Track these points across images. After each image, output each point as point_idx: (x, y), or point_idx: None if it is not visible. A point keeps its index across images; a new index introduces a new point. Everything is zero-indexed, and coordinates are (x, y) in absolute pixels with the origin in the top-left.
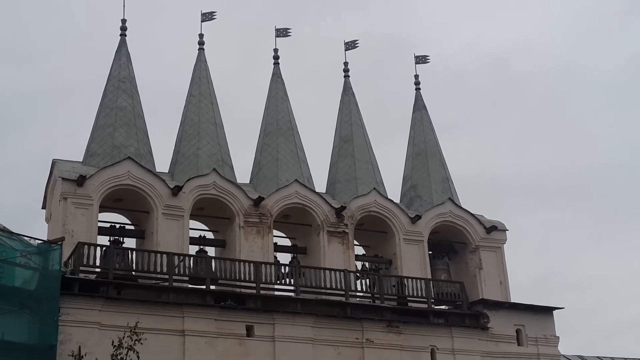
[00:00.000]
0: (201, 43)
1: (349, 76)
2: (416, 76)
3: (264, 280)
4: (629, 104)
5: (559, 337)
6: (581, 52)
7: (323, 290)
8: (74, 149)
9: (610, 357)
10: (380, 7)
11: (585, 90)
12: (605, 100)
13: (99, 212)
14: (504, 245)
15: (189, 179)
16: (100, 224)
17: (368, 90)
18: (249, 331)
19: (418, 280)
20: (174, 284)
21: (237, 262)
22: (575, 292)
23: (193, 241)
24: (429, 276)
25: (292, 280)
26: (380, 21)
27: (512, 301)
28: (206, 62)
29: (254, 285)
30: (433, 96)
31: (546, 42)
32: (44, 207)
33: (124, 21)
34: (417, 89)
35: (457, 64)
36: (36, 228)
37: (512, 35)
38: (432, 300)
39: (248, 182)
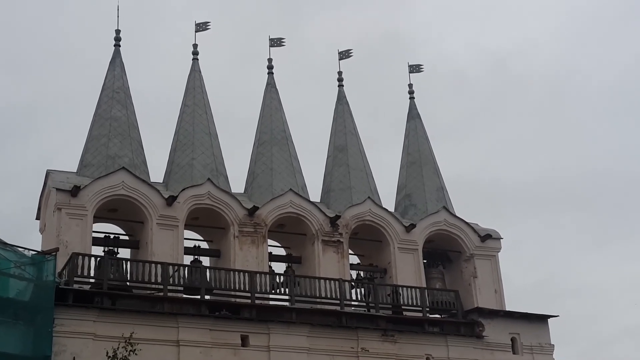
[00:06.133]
0: (195, 53)
1: (343, 85)
2: (410, 85)
3: (258, 290)
4: (629, 108)
5: (554, 345)
6: (581, 56)
7: (318, 300)
8: (70, 160)
9: None
10: (378, 9)
11: (585, 94)
12: (605, 104)
13: (93, 223)
14: (499, 253)
15: (183, 189)
16: (94, 235)
17: (362, 98)
18: (244, 341)
19: (413, 289)
20: (169, 294)
21: (231, 272)
22: (574, 298)
23: (188, 251)
24: (424, 285)
25: (287, 290)
26: (378, 22)
27: (507, 309)
28: (200, 72)
29: (248, 295)
30: (430, 98)
31: (546, 45)
32: (38, 218)
33: (118, 32)
34: (411, 98)
35: (455, 66)
36: (31, 239)
37: (512, 37)
38: (427, 309)
39: (242, 191)
